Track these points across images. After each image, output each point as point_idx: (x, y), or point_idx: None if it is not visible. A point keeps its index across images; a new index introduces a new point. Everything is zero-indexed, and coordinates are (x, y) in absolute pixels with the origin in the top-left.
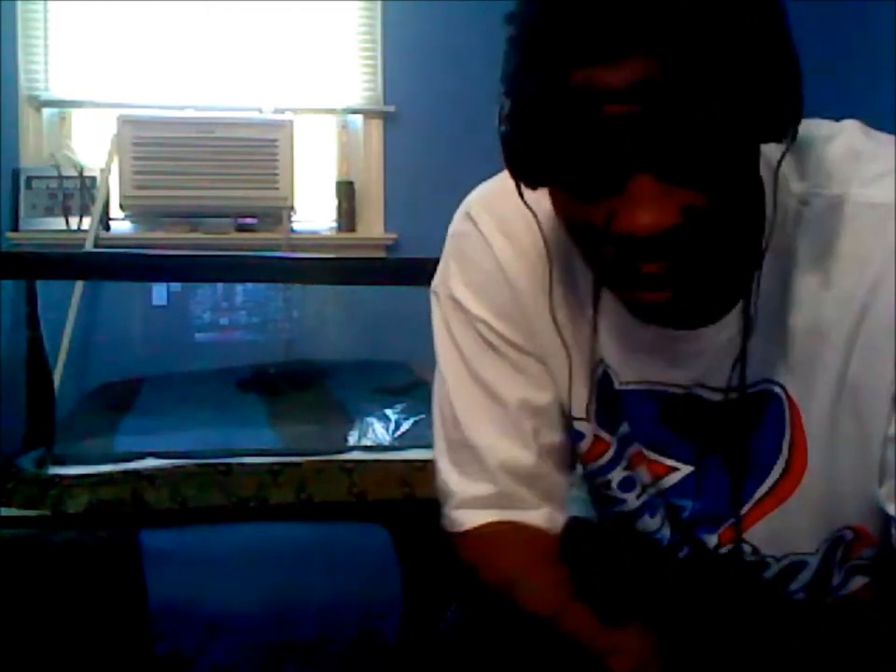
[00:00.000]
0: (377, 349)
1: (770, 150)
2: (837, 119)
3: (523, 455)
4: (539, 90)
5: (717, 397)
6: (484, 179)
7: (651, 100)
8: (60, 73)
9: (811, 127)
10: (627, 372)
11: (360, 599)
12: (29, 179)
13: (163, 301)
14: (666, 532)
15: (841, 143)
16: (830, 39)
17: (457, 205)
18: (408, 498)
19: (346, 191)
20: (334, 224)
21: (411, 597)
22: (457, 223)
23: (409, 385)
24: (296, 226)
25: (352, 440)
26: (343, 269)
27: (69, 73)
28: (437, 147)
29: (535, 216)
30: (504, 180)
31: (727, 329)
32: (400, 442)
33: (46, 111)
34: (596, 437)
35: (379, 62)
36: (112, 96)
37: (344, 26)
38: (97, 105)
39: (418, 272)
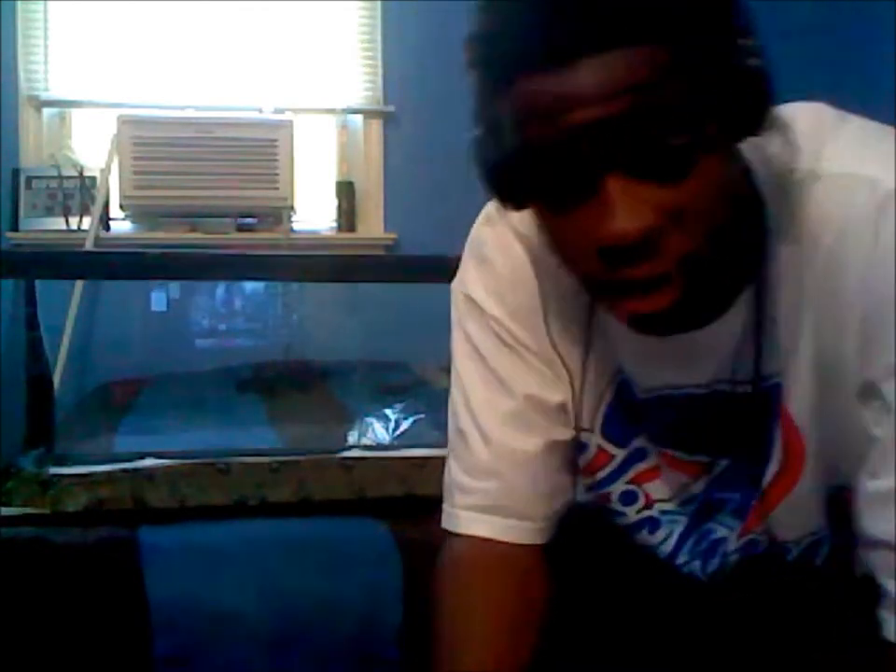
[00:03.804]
0: (377, 349)
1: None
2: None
3: (529, 445)
4: (499, 107)
5: (741, 389)
6: None
7: (615, 103)
8: (60, 73)
9: (785, 109)
10: (648, 380)
11: (361, 594)
12: (29, 179)
13: (163, 307)
14: (665, 549)
15: (806, 118)
16: (830, 38)
17: (457, 205)
18: (408, 496)
19: (346, 191)
20: (334, 224)
21: (412, 593)
22: (478, 226)
23: (409, 384)
24: (296, 226)
25: (351, 439)
26: (343, 266)
27: (69, 73)
28: (437, 146)
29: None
30: None
31: (733, 320)
32: (400, 442)
33: (46, 111)
34: (600, 448)
35: (379, 62)
36: (112, 96)
37: (344, 26)
38: (97, 105)
39: (418, 269)
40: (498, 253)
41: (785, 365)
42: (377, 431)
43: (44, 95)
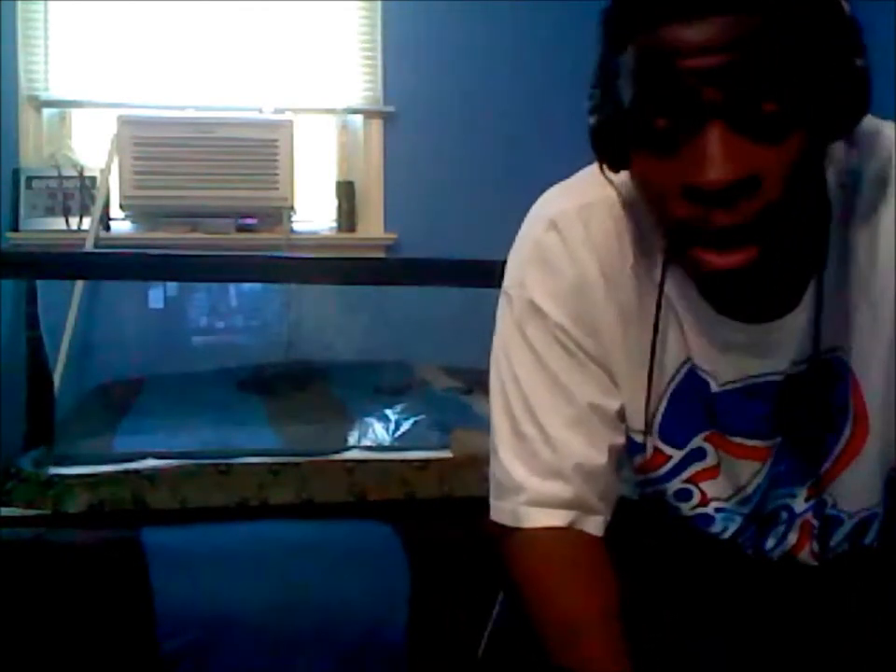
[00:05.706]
0: (377, 349)
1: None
2: None
3: (594, 454)
4: (621, 52)
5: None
6: (483, 179)
7: (729, 54)
8: (60, 73)
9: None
10: (727, 374)
11: (368, 596)
12: (29, 179)
13: (161, 304)
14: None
15: (889, 129)
16: None
17: (457, 205)
18: (409, 498)
19: (346, 191)
20: (334, 224)
21: (419, 596)
22: (540, 231)
23: (409, 384)
24: (296, 226)
25: (352, 440)
26: (343, 269)
27: (69, 73)
28: (437, 147)
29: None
30: (583, 192)
31: (806, 310)
32: (400, 443)
33: (46, 111)
34: (657, 450)
35: (379, 62)
36: (112, 96)
37: (344, 26)
38: (97, 105)
39: (418, 271)
40: (566, 259)
41: (855, 340)
42: (377, 432)
43: (44, 95)
